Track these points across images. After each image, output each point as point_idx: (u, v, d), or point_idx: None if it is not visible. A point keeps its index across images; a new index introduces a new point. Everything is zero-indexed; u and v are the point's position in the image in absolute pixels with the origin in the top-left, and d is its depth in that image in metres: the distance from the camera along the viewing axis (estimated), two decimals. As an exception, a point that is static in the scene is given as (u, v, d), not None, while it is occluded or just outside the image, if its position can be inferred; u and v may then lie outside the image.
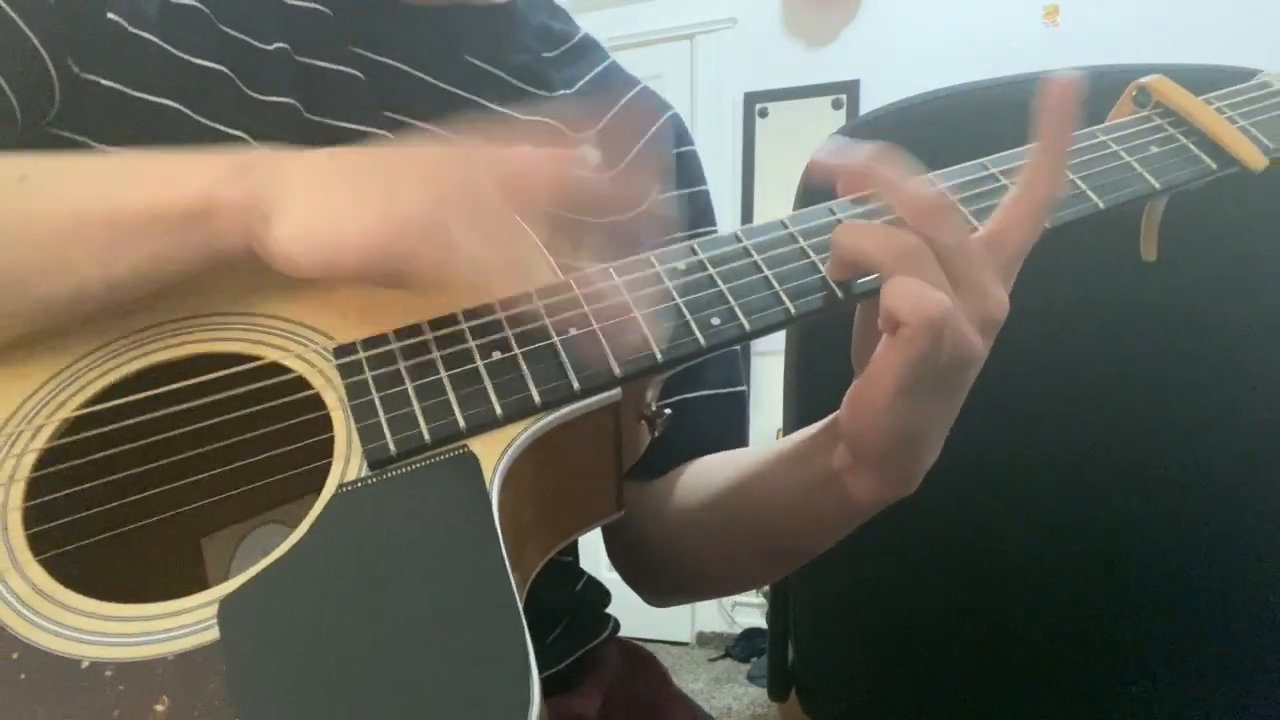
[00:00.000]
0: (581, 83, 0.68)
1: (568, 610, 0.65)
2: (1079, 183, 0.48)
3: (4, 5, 0.49)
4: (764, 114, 3.04)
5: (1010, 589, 0.78)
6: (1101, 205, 0.47)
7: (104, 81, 0.51)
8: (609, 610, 0.70)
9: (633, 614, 0.70)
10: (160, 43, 0.53)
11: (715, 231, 0.70)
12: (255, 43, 0.55)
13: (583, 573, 0.69)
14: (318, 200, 0.39)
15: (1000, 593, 0.79)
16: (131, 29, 0.52)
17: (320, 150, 0.42)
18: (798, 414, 0.83)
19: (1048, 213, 0.43)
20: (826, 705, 0.89)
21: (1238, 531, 0.72)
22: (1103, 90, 0.73)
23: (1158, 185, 0.49)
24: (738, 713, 2.55)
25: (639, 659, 0.71)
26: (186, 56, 0.53)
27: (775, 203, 2.89)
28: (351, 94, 0.57)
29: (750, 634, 2.99)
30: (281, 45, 0.56)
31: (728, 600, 3.11)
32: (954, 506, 0.64)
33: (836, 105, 2.92)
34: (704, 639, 3.14)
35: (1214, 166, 0.50)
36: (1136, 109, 0.53)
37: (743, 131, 3.05)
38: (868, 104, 2.85)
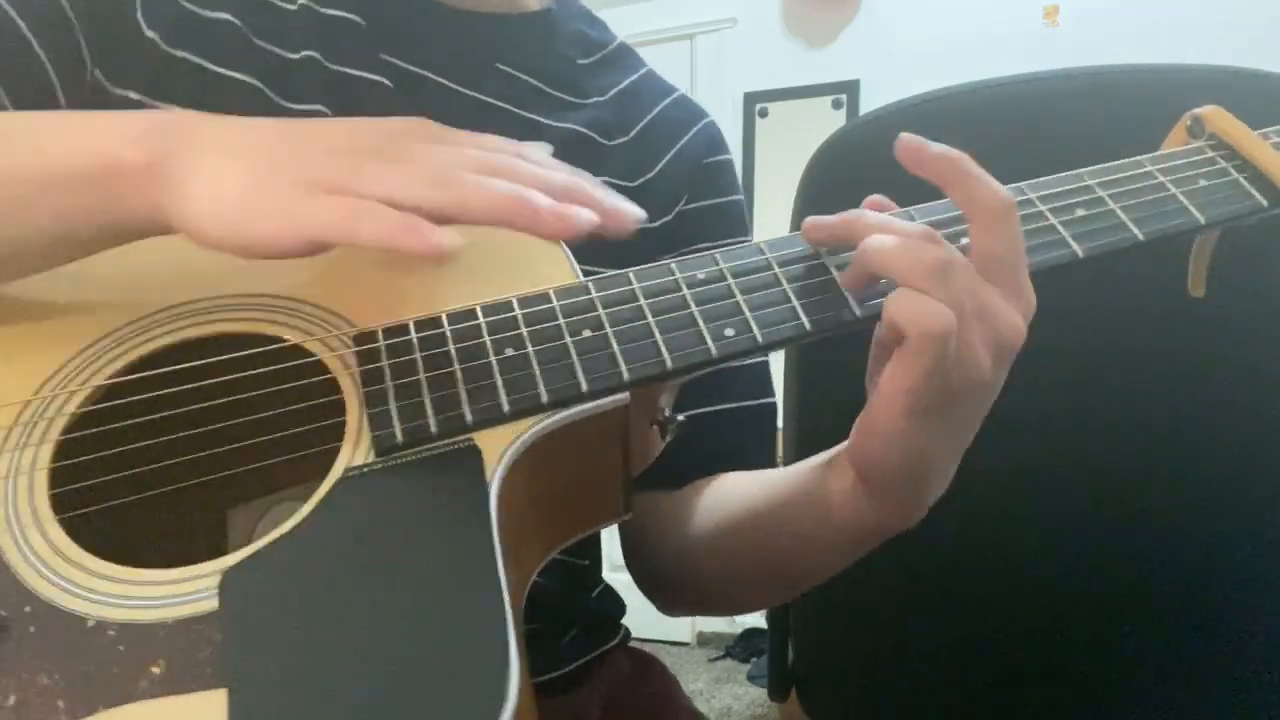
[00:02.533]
0: (615, 90, 0.68)
1: (584, 617, 0.65)
2: (1119, 212, 0.47)
3: (15, 18, 0.50)
4: (764, 114, 3.04)
5: (1011, 590, 0.78)
6: (1140, 237, 0.46)
7: (136, 96, 0.52)
8: (623, 619, 0.71)
9: (633, 614, 0.71)
10: (195, 59, 0.54)
11: (745, 241, 0.70)
12: (284, 53, 0.56)
13: (600, 580, 0.69)
14: (227, 177, 0.38)
15: (1001, 593, 0.79)
16: (167, 48, 0.53)
17: (233, 119, 0.41)
18: (798, 414, 0.83)
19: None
20: (826, 705, 0.89)
21: (1246, 537, 0.72)
22: (1103, 91, 0.73)
23: (1203, 219, 0.47)
24: (738, 713, 2.55)
25: (646, 664, 0.71)
26: (219, 69, 0.54)
27: (775, 203, 2.89)
28: (380, 101, 0.57)
29: (750, 634, 2.99)
30: (310, 54, 0.56)
31: (728, 600, 3.11)
32: (955, 507, 0.64)
33: (836, 105, 2.92)
34: (704, 639, 3.14)
35: (1264, 204, 0.48)
36: (1190, 138, 0.52)
37: (743, 131, 3.06)
38: (868, 104, 2.85)
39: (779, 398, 0.84)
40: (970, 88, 0.77)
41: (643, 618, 0.73)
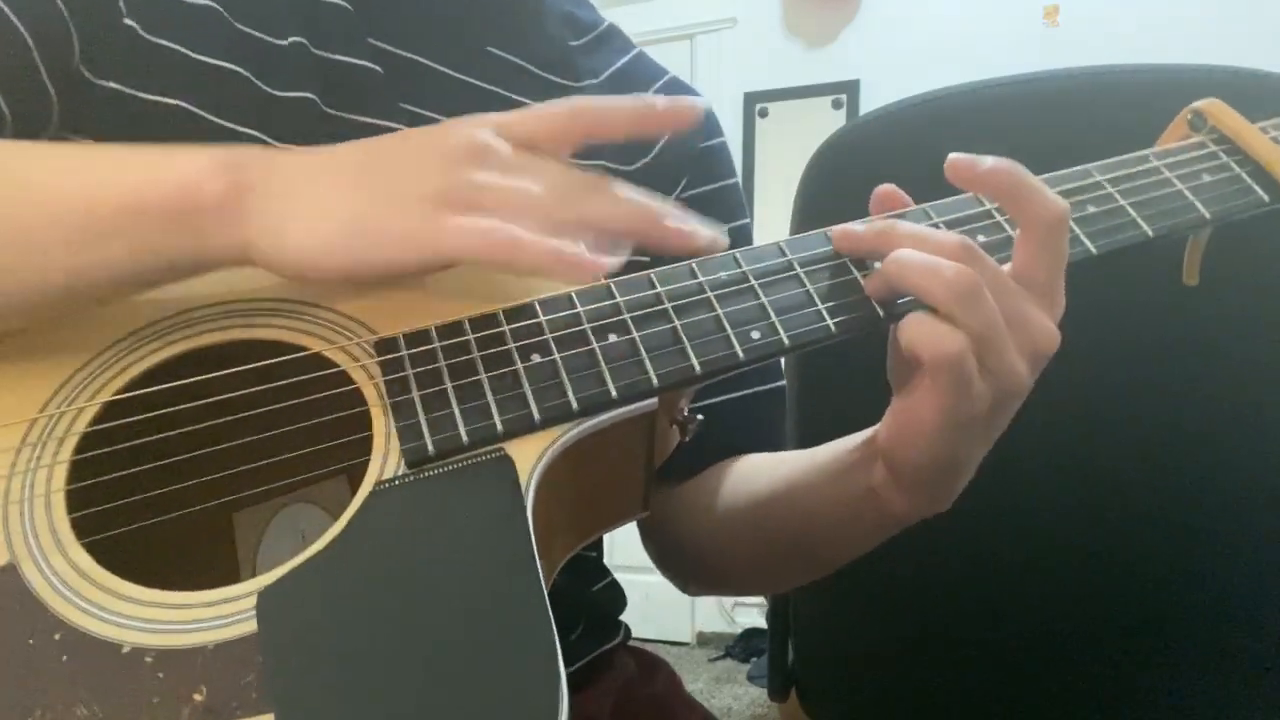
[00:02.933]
0: (609, 72, 0.67)
1: (587, 610, 0.65)
2: (1129, 209, 0.47)
3: (2, 6, 0.49)
4: (764, 114, 3.04)
5: (1012, 589, 0.78)
6: (1150, 234, 0.47)
7: (117, 86, 0.51)
8: (622, 617, 0.70)
9: (633, 614, 0.71)
10: (176, 46, 0.52)
11: (745, 224, 0.70)
12: (270, 39, 0.55)
13: (604, 572, 0.69)
14: (332, 203, 0.38)
15: (1002, 592, 0.79)
16: (146, 35, 0.52)
17: (313, 149, 0.41)
18: (798, 414, 0.83)
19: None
20: (826, 705, 0.89)
21: (1251, 535, 0.72)
22: (1104, 91, 0.73)
23: (1208, 215, 0.48)
24: (738, 713, 2.55)
25: (651, 664, 0.71)
26: (202, 57, 0.53)
27: (775, 203, 2.89)
28: (369, 88, 0.56)
29: (750, 634, 2.98)
30: (297, 39, 0.55)
31: (728, 600, 3.11)
32: (957, 506, 0.64)
33: (836, 105, 2.92)
34: (704, 639, 3.14)
35: (1266, 199, 0.49)
36: (1191, 132, 0.52)
37: (743, 131, 3.05)
38: (868, 104, 2.85)
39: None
40: (970, 88, 0.77)
41: (643, 618, 0.73)
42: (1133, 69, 0.72)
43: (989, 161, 0.43)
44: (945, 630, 0.81)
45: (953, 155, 0.43)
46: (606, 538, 0.66)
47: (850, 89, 2.90)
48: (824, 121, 2.87)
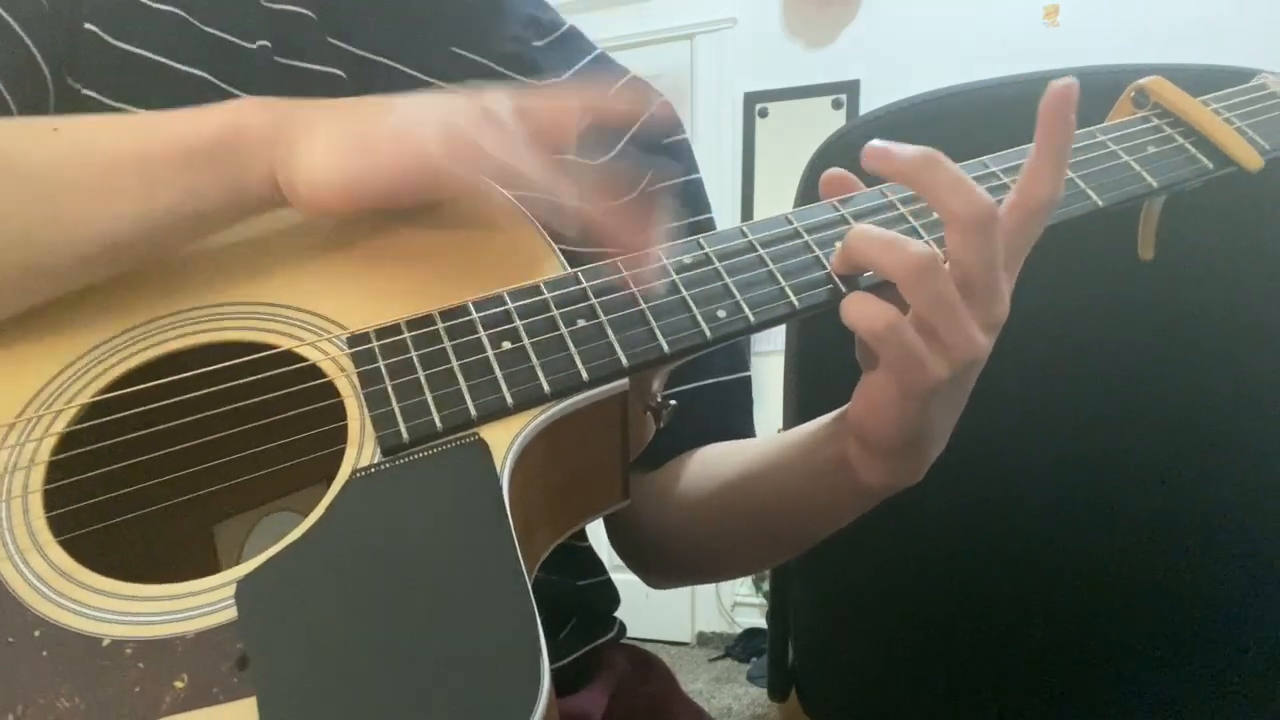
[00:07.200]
0: (571, 71, 0.68)
1: (582, 606, 0.65)
2: (1078, 181, 0.49)
3: (2, 13, 0.50)
4: (764, 114, 3.04)
5: (1010, 589, 0.78)
6: (1100, 203, 0.48)
7: (95, 95, 0.52)
8: (622, 617, 0.71)
9: (633, 614, 0.71)
10: (145, 53, 0.53)
11: (709, 218, 0.71)
12: (239, 41, 0.55)
13: (597, 565, 0.69)
14: (341, 131, 0.42)
15: (1000, 593, 0.79)
16: (113, 41, 0.52)
17: (338, 99, 0.45)
18: (798, 413, 0.83)
19: (1047, 214, 0.44)
20: (826, 705, 0.89)
21: (1249, 528, 0.72)
22: (1103, 90, 0.73)
23: (1155, 184, 0.49)
24: (738, 713, 2.55)
25: (646, 662, 0.71)
26: (171, 63, 0.53)
27: (775, 202, 2.90)
28: (334, 93, 0.57)
29: (750, 634, 2.99)
30: (264, 43, 0.56)
31: (728, 600, 3.11)
32: (955, 507, 0.64)
33: (836, 105, 2.92)
34: (704, 639, 3.14)
35: (1211, 166, 0.51)
36: (1135, 110, 0.54)
37: (743, 131, 3.06)
38: (868, 104, 2.85)
39: (778, 398, 0.85)
40: (970, 88, 0.77)
41: (642, 618, 0.73)
42: (1133, 69, 0.72)
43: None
44: (946, 631, 0.81)
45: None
46: (606, 538, 0.66)
47: (850, 89, 2.91)
48: (824, 121, 2.87)
